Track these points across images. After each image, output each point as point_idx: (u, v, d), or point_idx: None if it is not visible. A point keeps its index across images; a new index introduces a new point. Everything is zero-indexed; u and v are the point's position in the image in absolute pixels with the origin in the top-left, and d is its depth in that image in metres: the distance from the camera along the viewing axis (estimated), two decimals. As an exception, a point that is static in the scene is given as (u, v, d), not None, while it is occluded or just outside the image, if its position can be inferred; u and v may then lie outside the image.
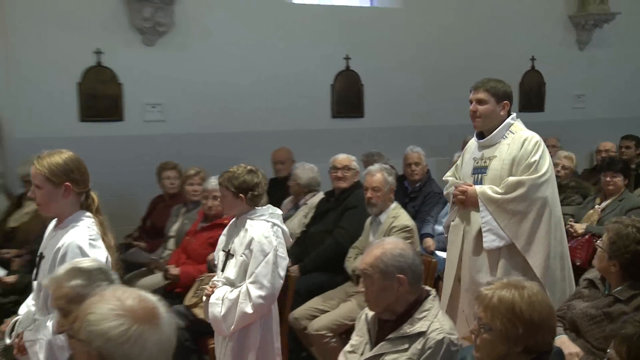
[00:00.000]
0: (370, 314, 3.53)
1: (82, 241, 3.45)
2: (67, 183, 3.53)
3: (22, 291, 5.41)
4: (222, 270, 4.43)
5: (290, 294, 5.24)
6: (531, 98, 10.45)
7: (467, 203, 4.56)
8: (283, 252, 4.39)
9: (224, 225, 5.84)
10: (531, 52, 10.38)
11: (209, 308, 4.38)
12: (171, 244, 6.54)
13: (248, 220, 4.39)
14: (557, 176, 7.08)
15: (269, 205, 4.53)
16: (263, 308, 4.29)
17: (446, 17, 9.55)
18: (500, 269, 4.49)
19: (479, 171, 4.59)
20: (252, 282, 4.24)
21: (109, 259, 3.51)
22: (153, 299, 2.26)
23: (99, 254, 3.45)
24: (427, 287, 3.54)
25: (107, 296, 2.21)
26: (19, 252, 6.31)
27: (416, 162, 7.37)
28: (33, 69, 7.42)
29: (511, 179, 4.39)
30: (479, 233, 4.52)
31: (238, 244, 4.36)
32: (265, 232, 4.32)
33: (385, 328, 3.41)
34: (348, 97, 9.22)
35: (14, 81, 7.41)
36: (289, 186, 7.16)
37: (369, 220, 5.75)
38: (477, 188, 4.49)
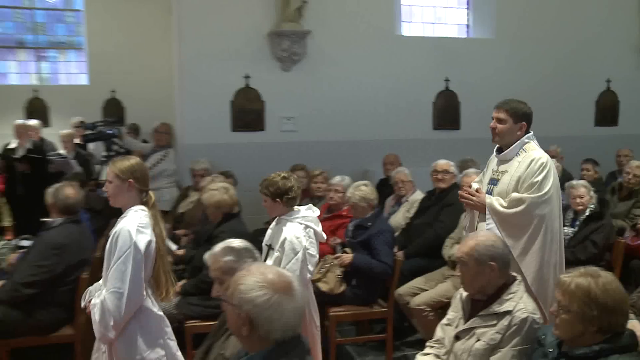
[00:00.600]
0: (465, 294, 3.50)
1: (132, 227, 3.44)
2: (130, 180, 3.57)
3: (187, 262, 5.60)
4: (265, 261, 4.22)
5: (396, 274, 5.26)
6: (606, 115, 10.04)
7: (474, 207, 4.27)
8: (313, 250, 4.23)
9: (344, 217, 5.92)
10: (607, 74, 9.98)
11: None
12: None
13: (285, 221, 4.26)
14: (628, 183, 6.92)
15: (303, 208, 4.35)
16: None
17: (532, 45, 9.36)
18: None
19: (492, 182, 4.30)
20: None
21: (153, 244, 3.51)
22: (289, 274, 2.35)
23: (142, 239, 3.42)
24: (514, 273, 3.46)
25: (253, 270, 2.31)
26: (185, 232, 6.53)
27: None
28: (199, 89, 7.79)
29: (514, 195, 4.09)
30: None
31: (276, 241, 4.23)
32: (297, 233, 4.16)
33: (477, 306, 3.38)
34: (447, 112, 9.20)
35: (186, 99, 7.81)
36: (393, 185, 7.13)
37: (463, 215, 5.66)
38: (487, 199, 4.18)
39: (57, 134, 9.29)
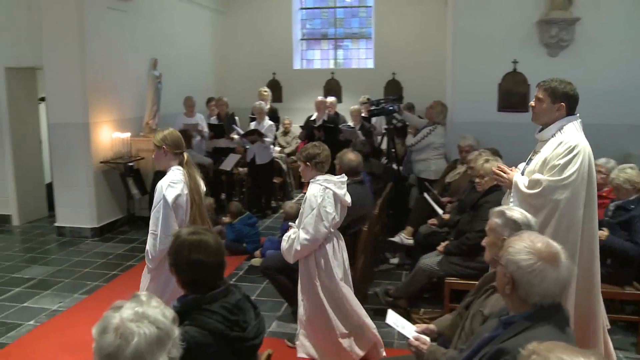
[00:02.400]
0: None
1: (164, 184, 3.80)
2: (164, 146, 3.93)
3: (452, 226, 5.68)
4: None
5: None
6: None
7: (505, 184, 3.75)
8: (330, 209, 4.23)
9: (603, 197, 5.46)
10: None
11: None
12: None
13: (311, 183, 4.36)
14: None
15: (328, 174, 4.41)
16: (306, 248, 4.23)
17: None
18: None
19: (528, 161, 3.78)
20: (302, 228, 4.24)
21: (183, 197, 3.80)
22: (558, 246, 2.31)
23: (171, 194, 3.75)
24: None
25: (524, 237, 2.35)
26: (450, 199, 6.62)
27: None
28: (469, 72, 7.80)
29: (534, 176, 3.57)
30: None
31: (303, 200, 4.34)
32: (315, 192, 4.24)
33: None
34: None
35: (457, 81, 7.88)
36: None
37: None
38: (515, 177, 3.67)
39: (347, 108, 9.96)
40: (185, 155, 4.08)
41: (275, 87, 12.16)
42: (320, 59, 12.89)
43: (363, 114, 9.39)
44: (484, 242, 3.13)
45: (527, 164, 3.80)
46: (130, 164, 8.41)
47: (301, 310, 4.41)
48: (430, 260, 5.18)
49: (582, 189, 3.50)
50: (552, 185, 3.47)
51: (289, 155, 10.89)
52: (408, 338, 3.07)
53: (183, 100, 9.37)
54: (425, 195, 6.63)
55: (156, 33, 9.49)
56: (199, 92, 10.22)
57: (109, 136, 8.36)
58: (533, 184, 3.57)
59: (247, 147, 9.00)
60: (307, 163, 4.39)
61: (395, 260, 6.79)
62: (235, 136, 8.87)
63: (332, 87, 12.19)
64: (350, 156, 5.26)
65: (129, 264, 6.98)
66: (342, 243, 4.52)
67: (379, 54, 12.11)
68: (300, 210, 4.37)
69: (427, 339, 3.04)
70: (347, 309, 4.36)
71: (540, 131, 3.75)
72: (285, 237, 4.41)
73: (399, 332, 3.25)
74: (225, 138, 9.06)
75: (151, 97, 8.77)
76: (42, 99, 9.17)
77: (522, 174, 3.75)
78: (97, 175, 8.18)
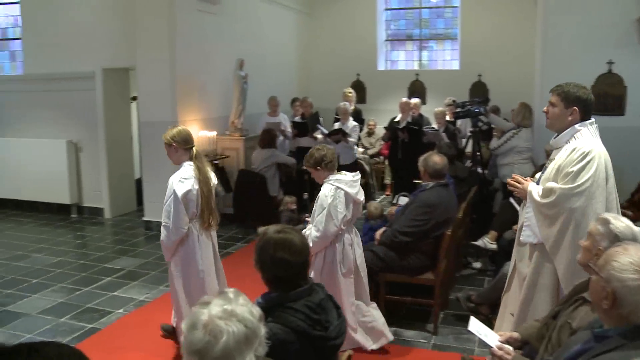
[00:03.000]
0: None
1: (175, 179, 4.30)
2: (174, 144, 4.34)
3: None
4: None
5: None
6: None
7: (521, 194, 3.70)
8: (340, 208, 4.36)
9: None
10: None
11: None
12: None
13: (324, 183, 4.48)
14: None
15: (340, 172, 4.53)
16: (318, 245, 4.35)
17: None
18: (534, 261, 3.62)
19: (543, 169, 3.71)
20: (313, 226, 4.40)
21: (193, 192, 4.29)
22: None
23: (180, 189, 4.24)
24: None
25: (631, 252, 2.15)
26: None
27: None
28: (559, 74, 7.45)
29: (548, 184, 3.49)
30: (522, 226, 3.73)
31: (316, 199, 4.49)
32: (327, 192, 4.40)
33: None
34: None
35: (546, 83, 7.59)
36: None
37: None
38: (529, 186, 3.62)
39: (432, 110, 9.83)
40: (194, 149, 4.45)
41: (359, 88, 12.17)
42: (405, 60, 12.78)
43: (448, 117, 9.24)
44: (581, 243, 3.00)
45: (542, 172, 3.72)
46: (216, 162, 8.63)
47: None
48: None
49: (599, 196, 3.37)
50: (566, 193, 3.38)
51: (372, 156, 10.87)
52: (491, 347, 2.97)
53: (267, 100, 9.57)
54: (511, 200, 6.43)
55: (242, 34, 9.73)
56: (282, 93, 10.38)
57: (195, 134, 8.62)
58: (547, 192, 3.50)
59: (331, 147, 9.03)
60: (317, 167, 4.51)
61: (477, 265, 6.65)
62: (319, 135, 8.95)
63: (417, 89, 12.06)
64: (436, 159, 5.20)
65: (212, 260, 7.17)
66: (358, 239, 4.65)
67: (465, 55, 11.87)
68: (313, 209, 4.53)
69: (511, 348, 2.93)
70: (341, 301, 4.39)
71: (555, 138, 3.65)
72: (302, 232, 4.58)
73: (481, 340, 3.17)
74: (309, 137, 9.16)
75: (237, 97, 9.00)
76: (134, 98, 9.60)
77: (538, 183, 3.67)
78: (184, 172, 8.45)
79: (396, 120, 9.56)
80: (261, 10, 10.62)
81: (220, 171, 8.71)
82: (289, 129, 9.44)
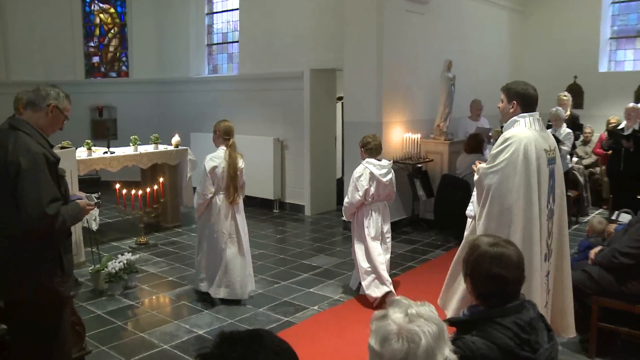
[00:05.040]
0: None
1: (208, 157, 5.74)
2: (217, 131, 5.79)
3: None
4: None
5: None
6: None
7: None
8: (364, 182, 5.78)
9: None
10: None
11: None
12: None
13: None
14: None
15: (380, 161, 5.89)
16: (347, 209, 5.99)
17: None
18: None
19: None
20: (345, 196, 6.09)
21: (219, 168, 5.67)
22: None
23: (209, 165, 5.69)
24: None
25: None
26: None
27: None
28: None
29: (480, 165, 4.13)
30: None
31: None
32: (357, 170, 5.90)
33: None
34: None
35: None
36: None
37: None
38: (478, 167, 4.16)
39: (664, 118, 8.80)
40: (232, 140, 5.75)
41: (576, 91, 11.35)
42: (634, 59, 11.62)
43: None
44: None
45: None
46: (419, 165, 8.65)
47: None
48: None
49: (514, 176, 3.83)
50: (484, 172, 3.96)
51: (587, 167, 10.11)
52: None
53: (469, 103, 9.37)
54: None
55: (450, 34, 9.61)
56: (487, 96, 10.05)
57: (400, 136, 8.72)
58: (477, 172, 4.11)
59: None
60: (362, 148, 5.95)
61: None
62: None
63: (646, 93, 10.92)
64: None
65: (409, 265, 7.20)
66: (385, 212, 6.00)
67: None
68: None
69: None
70: (370, 255, 5.83)
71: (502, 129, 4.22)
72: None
73: None
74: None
75: (443, 99, 8.90)
76: (340, 98, 9.97)
77: None
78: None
79: (620, 127, 8.79)
80: (471, 8, 10.39)
81: (422, 175, 8.70)
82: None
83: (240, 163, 5.77)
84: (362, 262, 5.87)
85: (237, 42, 11.38)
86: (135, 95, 12.49)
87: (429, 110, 9.14)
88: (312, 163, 9.80)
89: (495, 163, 3.90)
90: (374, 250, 5.83)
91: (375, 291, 5.77)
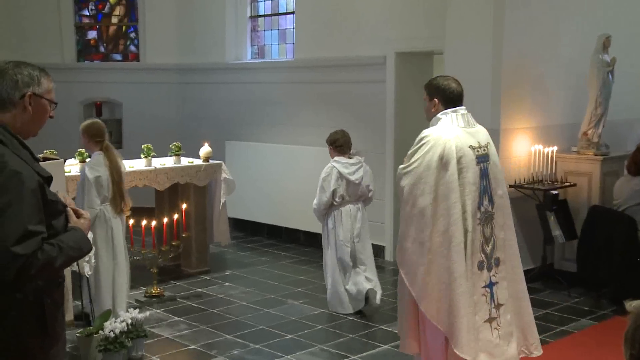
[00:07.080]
0: None
1: (87, 165, 6.86)
2: (86, 136, 6.84)
3: None
4: None
5: None
6: None
7: None
8: (332, 183, 7.41)
9: None
10: None
11: None
12: None
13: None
14: None
15: (348, 159, 7.57)
16: (315, 211, 7.71)
17: None
18: None
19: None
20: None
21: (103, 176, 6.73)
22: None
23: (91, 173, 6.68)
24: None
25: None
26: None
27: None
28: None
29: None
30: None
31: None
32: (324, 170, 7.56)
33: None
34: None
35: None
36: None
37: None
38: None
39: None
40: (105, 142, 6.84)
41: None
42: None
43: None
44: None
45: None
46: (555, 192, 8.45)
47: None
48: None
49: (428, 177, 4.72)
50: (399, 173, 4.94)
51: None
52: None
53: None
54: None
55: (605, 1, 9.36)
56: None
57: (525, 150, 8.59)
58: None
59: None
60: (331, 146, 7.60)
61: None
62: None
63: None
64: None
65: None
66: (360, 214, 7.62)
67: None
68: None
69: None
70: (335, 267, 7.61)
71: None
72: None
73: None
74: None
75: (594, 94, 8.59)
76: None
77: None
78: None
79: None
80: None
81: (560, 206, 8.44)
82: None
83: (124, 166, 7.03)
84: (329, 273, 7.67)
85: (292, 13, 11.42)
86: (148, 87, 12.66)
87: (570, 112, 8.98)
88: (395, 156, 9.68)
89: (409, 163, 4.86)
90: (339, 262, 7.56)
91: (339, 309, 7.57)
